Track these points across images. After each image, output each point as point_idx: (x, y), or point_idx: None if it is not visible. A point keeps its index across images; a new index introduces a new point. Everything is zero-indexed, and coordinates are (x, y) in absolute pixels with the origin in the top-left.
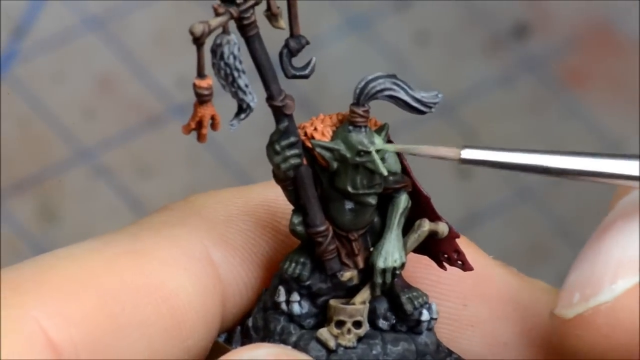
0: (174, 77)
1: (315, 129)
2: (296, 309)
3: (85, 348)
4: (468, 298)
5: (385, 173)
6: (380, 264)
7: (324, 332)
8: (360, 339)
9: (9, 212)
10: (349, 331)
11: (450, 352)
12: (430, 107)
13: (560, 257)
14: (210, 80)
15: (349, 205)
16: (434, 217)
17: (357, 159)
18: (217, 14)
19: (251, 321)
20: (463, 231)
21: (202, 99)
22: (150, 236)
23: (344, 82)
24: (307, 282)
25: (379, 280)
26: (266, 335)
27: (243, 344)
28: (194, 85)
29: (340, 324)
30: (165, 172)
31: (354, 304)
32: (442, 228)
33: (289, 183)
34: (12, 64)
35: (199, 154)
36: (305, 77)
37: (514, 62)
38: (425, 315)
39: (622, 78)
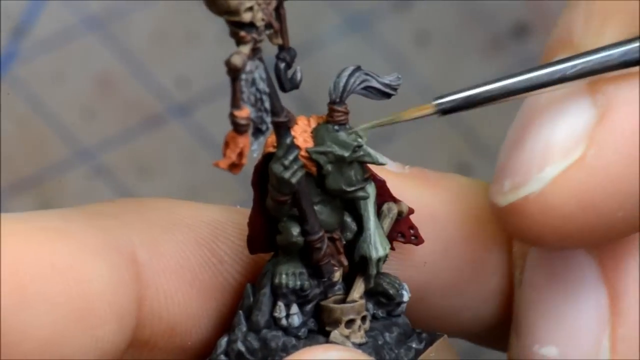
0: (174, 77)
1: (295, 137)
2: (296, 321)
3: None
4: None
5: (385, 161)
6: (374, 254)
7: (337, 336)
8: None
9: (9, 212)
10: (359, 328)
11: (419, 331)
12: (396, 90)
13: None
14: (248, 110)
15: (329, 205)
16: (393, 199)
17: (354, 155)
18: (245, 42)
19: (242, 345)
20: None
21: (242, 129)
22: (80, 220)
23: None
24: (308, 291)
25: (374, 271)
26: (267, 354)
27: None
28: (234, 117)
29: (350, 322)
30: (165, 172)
31: (355, 300)
32: (404, 207)
33: (290, 197)
34: (12, 64)
35: (199, 154)
36: (297, 87)
37: (514, 62)
38: (405, 296)
39: None
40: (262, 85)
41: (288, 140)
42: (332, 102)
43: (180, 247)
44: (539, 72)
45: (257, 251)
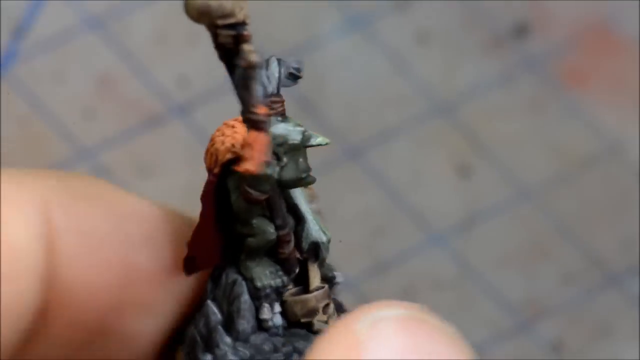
0: (174, 77)
1: (237, 133)
2: (279, 319)
3: None
4: None
5: (329, 141)
6: (324, 237)
7: (320, 324)
8: None
9: None
10: (333, 311)
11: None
12: (301, 72)
13: (560, 257)
14: (265, 107)
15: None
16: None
17: (304, 141)
18: (248, 40)
19: (235, 356)
20: (463, 231)
21: (264, 126)
22: (6, 171)
23: (343, 81)
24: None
25: (326, 254)
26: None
27: None
28: (255, 115)
29: (325, 307)
30: (165, 172)
31: (321, 286)
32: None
33: (267, 194)
34: (12, 64)
35: (199, 154)
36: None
37: (514, 62)
38: (340, 277)
39: (622, 78)
40: (265, 81)
41: (269, 137)
42: (270, 95)
43: (97, 217)
44: None
45: (195, 271)
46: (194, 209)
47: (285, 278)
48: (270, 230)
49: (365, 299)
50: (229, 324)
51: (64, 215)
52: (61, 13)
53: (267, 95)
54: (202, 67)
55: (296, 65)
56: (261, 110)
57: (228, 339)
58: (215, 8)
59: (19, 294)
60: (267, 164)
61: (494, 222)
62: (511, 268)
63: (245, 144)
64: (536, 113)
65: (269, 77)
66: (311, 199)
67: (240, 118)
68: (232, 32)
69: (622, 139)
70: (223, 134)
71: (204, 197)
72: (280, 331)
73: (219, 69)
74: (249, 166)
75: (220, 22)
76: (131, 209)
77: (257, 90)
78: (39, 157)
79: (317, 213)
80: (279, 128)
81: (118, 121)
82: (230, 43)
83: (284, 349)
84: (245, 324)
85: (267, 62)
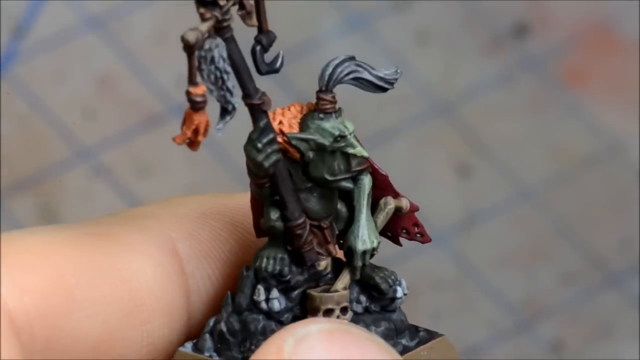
0: (174, 77)
1: (281, 122)
2: (276, 305)
3: (38, 318)
4: None
5: (367, 154)
6: (360, 246)
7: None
8: None
9: (9, 212)
10: (337, 318)
11: (417, 327)
12: (392, 84)
13: (560, 257)
14: (204, 87)
15: (317, 193)
16: (395, 194)
17: (335, 144)
18: (204, 19)
19: (225, 326)
20: (463, 231)
21: (197, 106)
22: (117, 223)
23: None
24: (288, 277)
25: (359, 263)
26: (246, 337)
27: (218, 350)
28: (189, 93)
29: (328, 312)
30: (165, 172)
31: (336, 290)
32: (405, 203)
33: (267, 180)
34: (12, 64)
35: (199, 154)
36: (276, 71)
37: (514, 62)
38: (399, 292)
39: (622, 78)
40: (222, 64)
41: (262, 123)
42: (319, 91)
43: (216, 232)
44: None
45: (259, 236)
46: None
47: (286, 268)
48: (272, 217)
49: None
50: (235, 294)
51: (190, 247)
52: (61, 13)
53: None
54: None
55: (382, 75)
56: (196, 89)
57: (229, 308)
58: None
59: (154, 331)
60: (195, 143)
61: (493, 222)
62: (511, 268)
63: (182, 118)
64: (536, 113)
65: (323, 74)
66: (380, 207)
67: (298, 103)
68: (197, 6)
69: (622, 139)
70: (274, 116)
71: (248, 171)
72: (286, 318)
73: None
74: (176, 139)
75: None
76: (230, 216)
77: (194, 69)
78: (39, 157)
79: (376, 222)
80: (314, 125)
81: (118, 121)
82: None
83: (270, 335)
84: (242, 298)
85: (332, 60)
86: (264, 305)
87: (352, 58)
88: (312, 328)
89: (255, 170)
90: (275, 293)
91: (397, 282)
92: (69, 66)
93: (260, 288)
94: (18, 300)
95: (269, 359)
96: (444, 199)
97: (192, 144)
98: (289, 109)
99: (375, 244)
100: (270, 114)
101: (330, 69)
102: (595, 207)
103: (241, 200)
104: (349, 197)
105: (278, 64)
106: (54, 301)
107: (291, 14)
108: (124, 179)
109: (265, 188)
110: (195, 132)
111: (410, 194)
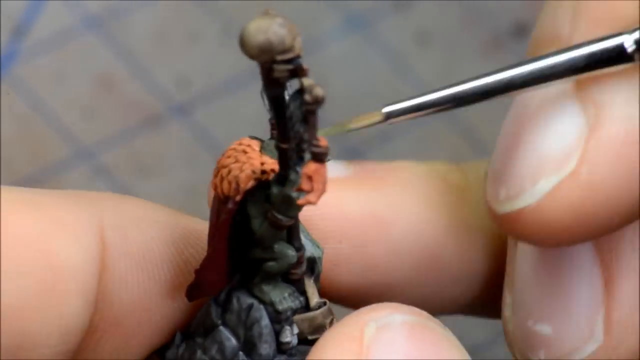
0: (174, 77)
1: (263, 163)
2: (295, 340)
3: None
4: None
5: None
6: (318, 252)
7: None
8: None
9: None
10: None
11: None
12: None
13: None
14: (325, 140)
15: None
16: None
17: None
18: (307, 73)
19: None
20: None
21: (325, 158)
22: (53, 197)
23: (343, 82)
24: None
25: (320, 269)
26: None
27: None
28: (318, 147)
29: (331, 323)
30: (165, 172)
31: (324, 302)
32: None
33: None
34: (12, 64)
35: (199, 154)
36: None
37: (514, 62)
38: (319, 253)
39: None
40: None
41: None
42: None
43: (148, 240)
44: (505, 73)
45: (198, 297)
46: (193, 209)
47: (302, 299)
48: (292, 253)
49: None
50: (248, 349)
51: (118, 239)
52: (61, 13)
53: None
54: (202, 67)
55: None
56: (323, 142)
57: None
58: (277, 44)
59: (69, 314)
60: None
61: None
62: None
63: (305, 176)
64: None
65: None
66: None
67: (246, 141)
68: (290, 67)
69: None
70: (237, 160)
71: (221, 225)
72: (295, 351)
73: (219, 69)
74: (312, 198)
75: (280, 57)
76: (184, 231)
77: (317, 123)
78: (39, 157)
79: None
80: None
81: (118, 121)
82: (286, 77)
83: None
84: (268, 348)
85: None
86: (291, 345)
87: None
88: (396, 318)
89: (291, 211)
90: (295, 329)
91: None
92: (69, 66)
93: (289, 328)
94: None
95: (347, 338)
96: None
97: (320, 197)
98: (250, 147)
99: (322, 249)
100: (243, 157)
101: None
102: None
103: (191, 223)
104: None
105: None
106: None
107: (291, 14)
108: (124, 179)
109: (286, 229)
110: (325, 184)
111: None
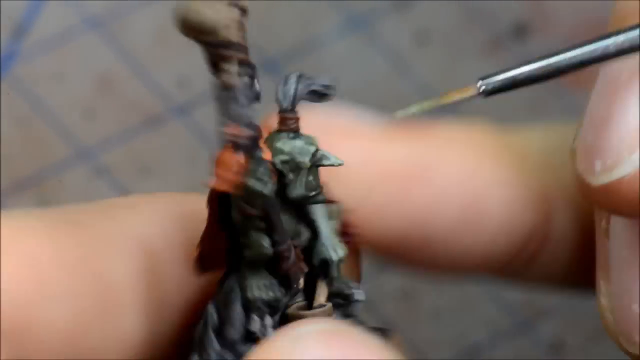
0: (174, 77)
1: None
2: (270, 332)
3: (7, 304)
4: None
5: (343, 162)
6: (335, 256)
7: None
8: None
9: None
10: None
11: (376, 327)
12: (334, 90)
13: None
14: (239, 127)
15: (286, 214)
16: (333, 199)
17: (313, 160)
18: (230, 60)
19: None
20: None
21: (237, 146)
22: (96, 212)
23: (343, 82)
24: (281, 301)
25: (335, 273)
26: None
27: None
28: (228, 135)
29: None
30: (165, 172)
31: (323, 304)
32: (342, 207)
33: (262, 210)
34: (12, 64)
35: (199, 154)
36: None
37: (514, 62)
38: (360, 295)
39: None
40: (244, 101)
41: (259, 154)
42: (283, 111)
43: (194, 236)
44: (593, 45)
45: (205, 271)
46: None
47: (279, 293)
48: (265, 245)
49: (365, 300)
50: (219, 330)
51: (163, 243)
52: (61, 13)
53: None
54: (202, 67)
55: (324, 84)
56: (234, 130)
57: (217, 345)
58: (198, 24)
59: (125, 328)
60: (259, 181)
61: None
62: None
63: (216, 161)
64: (536, 113)
65: (285, 93)
66: (332, 215)
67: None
68: (215, 51)
69: None
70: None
71: (209, 202)
72: None
73: None
74: (217, 185)
75: (203, 38)
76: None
77: (232, 110)
78: (39, 157)
79: (335, 230)
80: (288, 145)
81: (118, 121)
82: (215, 60)
83: None
84: (233, 332)
85: (286, 78)
86: (259, 334)
87: (301, 74)
88: (310, 328)
89: (253, 201)
90: (269, 320)
91: (356, 286)
92: (69, 66)
93: (256, 318)
94: None
95: (264, 359)
96: None
97: (232, 186)
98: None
99: (345, 251)
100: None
101: (292, 87)
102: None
103: None
104: (302, 214)
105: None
106: (24, 288)
107: (291, 14)
108: (124, 179)
109: (254, 218)
110: (237, 173)
111: None
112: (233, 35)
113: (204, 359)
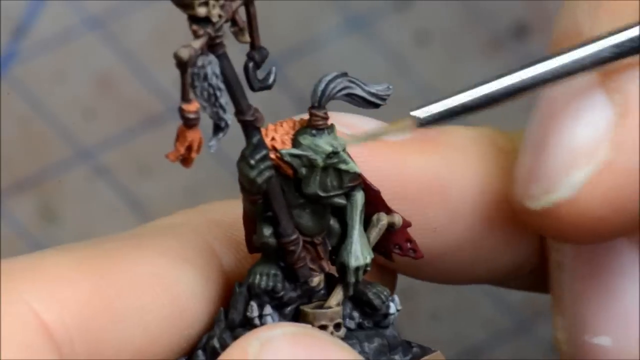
0: (174, 77)
1: (274, 138)
2: (269, 321)
3: (78, 330)
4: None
5: (360, 170)
6: (353, 262)
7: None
8: None
9: (9, 212)
10: (331, 334)
11: (410, 342)
12: (385, 100)
13: None
14: (197, 104)
15: (310, 209)
16: (387, 210)
17: (328, 161)
18: (197, 36)
19: (218, 342)
20: None
21: (191, 122)
22: (151, 232)
23: None
24: (281, 293)
25: (352, 279)
26: None
27: None
28: (182, 110)
29: (322, 328)
30: (165, 172)
31: (330, 307)
32: (398, 219)
33: (260, 196)
34: (12, 64)
35: (199, 155)
36: (269, 87)
37: (514, 62)
38: (392, 308)
39: None
40: (215, 81)
41: (255, 140)
42: (311, 107)
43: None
44: (531, 69)
45: (255, 250)
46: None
47: (279, 285)
48: (265, 233)
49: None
50: (227, 312)
51: (230, 255)
52: (61, 13)
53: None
54: None
55: (374, 91)
56: (189, 106)
57: (222, 324)
58: None
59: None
60: (189, 159)
61: None
62: None
63: (176, 135)
64: None
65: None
66: (373, 223)
67: (291, 119)
68: (190, 23)
69: None
70: (266, 132)
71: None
72: None
73: None
74: (170, 155)
75: (181, 10)
76: None
77: (187, 86)
78: (39, 157)
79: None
80: (307, 140)
81: (118, 121)
82: (197, 35)
83: None
84: (235, 314)
85: (324, 76)
86: (257, 321)
87: (344, 74)
88: (277, 331)
89: (248, 186)
90: (268, 309)
91: (390, 299)
92: (69, 66)
93: (254, 304)
94: (56, 314)
95: (234, 359)
96: None
97: (186, 160)
98: (282, 125)
99: (368, 260)
100: (262, 130)
101: (322, 85)
102: None
103: None
104: (341, 213)
105: (271, 80)
106: (92, 313)
107: (291, 14)
108: (124, 179)
109: (258, 204)
110: (189, 149)
111: None
112: (211, 13)
113: (210, 335)
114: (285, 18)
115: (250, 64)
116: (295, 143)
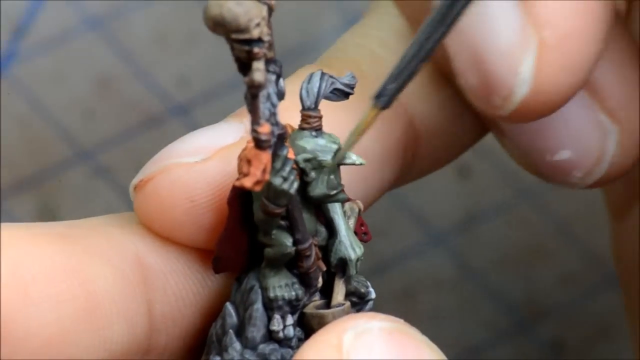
0: (174, 77)
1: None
2: (291, 332)
3: None
4: None
5: (365, 162)
6: (353, 255)
7: None
8: None
9: (9, 212)
10: None
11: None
12: (353, 88)
13: (560, 257)
14: (269, 126)
15: (307, 212)
16: (348, 198)
17: (336, 159)
18: (258, 58)
19: None
20: (463, 231)
21: (265, 145)
22: (83, 227)
23: None
24: (304, 300)
25: (353, 271)
26: None
27: None
28: (256, 133)
29: None
30: None
31: (342, 303)
32: (360, 205)
33: (285, 208)
34: (12, 64)
35: None
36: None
37: None
38: (372, 294)
39: None
40: (275, 99)
41: (284, 152)
42: (306, 109)
43: (186, 251)
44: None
45: (222, 271)
46: None
47: (300, 292)
48: (287, 243)
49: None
50: (241, 329)
51: (153, 255)
52: (61, 13)
53: (307, 108)
54: (202, 67)
55: (347, 82)
56: (263, 129)
57: (238, 345)
58: (229, 21)
59: (112, 337)
60: (262, 182)
61: (493, 222)
62: (511, 268)
63: (244, 159)
64: None
65: (308, 91)
66: (350, 212)
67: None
68: (245, 48)
69: None
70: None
71: (230, 202)
72: (294, 343)
73: (219, 69)
74: (245, 182)
75: (234, 36)
76: None
77: (261, 109)
78: (39, 157)
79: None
80: (310, 143)
81: (118, 121)
82: (244, 58)
83: None
84: (255, 332)
85: (310, 76)
86: (281, 334)
87: (323, 72)
88: (374, 324)
89: (278, 199)
90: (290, 319)
91: (369, 285)
92: (69, 66)
93: (278, 317)
94: None
95: (326, 345)
96: (444, 199)
97: (259, 183)
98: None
99: (362, 251)
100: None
101: (316, 85)
102: (595, 207)
103: None
104: (319, 213)
105: (283, 90)
106: (7, 294)
107: (291, 14)
108: (124, 179)
109: (277, 216)
110: (264, 171)
111: (410, 194)
112: (263, 33)
113: (226, 359)
114: (285, 18)
115: (274, 78)
116: (297, 148)
